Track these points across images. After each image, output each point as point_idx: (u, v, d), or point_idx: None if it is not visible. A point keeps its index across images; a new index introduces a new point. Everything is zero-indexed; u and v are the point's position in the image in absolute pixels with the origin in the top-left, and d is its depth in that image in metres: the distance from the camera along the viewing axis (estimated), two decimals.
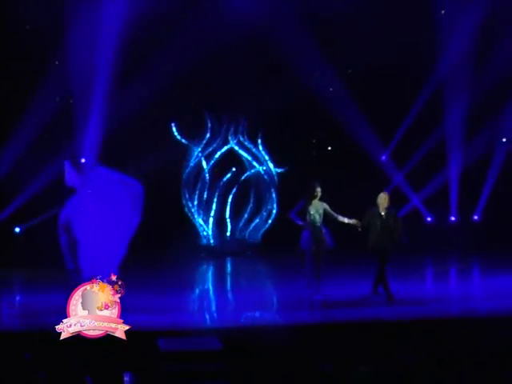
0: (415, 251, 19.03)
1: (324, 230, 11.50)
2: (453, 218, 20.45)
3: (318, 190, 11.47)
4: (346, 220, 11.52)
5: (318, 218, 11.39)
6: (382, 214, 11.57)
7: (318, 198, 11.50)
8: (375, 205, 11.73)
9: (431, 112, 19.84)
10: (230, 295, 12.88)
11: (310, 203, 11.37)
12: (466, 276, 15.83)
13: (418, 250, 19.22)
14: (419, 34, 18.57)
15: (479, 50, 19.59)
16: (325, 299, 11.28)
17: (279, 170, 19.58)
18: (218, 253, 18.78)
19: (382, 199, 11.60)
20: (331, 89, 19.58)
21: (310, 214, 11.36)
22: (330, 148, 20.38)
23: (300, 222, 11.36)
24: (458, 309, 11.27)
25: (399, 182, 20.14)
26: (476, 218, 20.42)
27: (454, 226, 20.21)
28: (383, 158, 20.44)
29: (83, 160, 18.18)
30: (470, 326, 10.12)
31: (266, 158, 19.54)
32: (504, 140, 20.13)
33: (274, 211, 19.39)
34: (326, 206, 11.50)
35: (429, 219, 20.57)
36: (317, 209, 11.38)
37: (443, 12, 19.34)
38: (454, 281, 15.57)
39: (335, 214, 11.48)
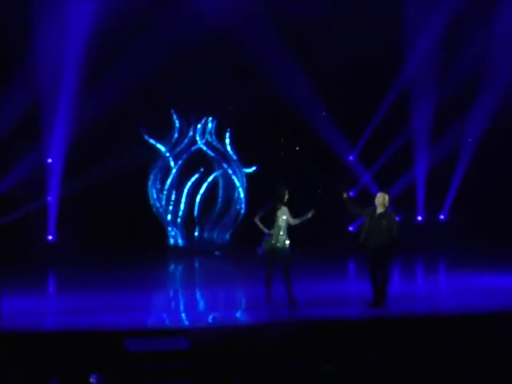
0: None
1: (288, 239, 11.14)
2: (419, 218, 20.58)
3: (287, 194, 11.18)
4: (304, 217, 11.07)
5: (284, 224, 11.08)
6: (377, 212, 11.14)
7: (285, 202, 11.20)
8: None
9: (398, 112, 19.94)
10: (198, 295, 12.82)
11: (278, 208, 11.12)
12: (431, 275, 15.93)
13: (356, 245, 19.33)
14: (386, 34, 18.65)
15: (446, 50, 19.74)
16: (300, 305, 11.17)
17: (247, 170, 19.56)
18: (186, 253, 18.70)
19: (378, 198, 11.19)
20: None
21: (277, 219, 11.06)
22: (297, 148, 20.40)
23: (264, 228, 11.02)
24: (423, 308, 11.32)
25: (367, 181, 20.23)
26: (442, 217, 20.57)
27: (421, 226, 20.35)
28: (351, 158, 20.51)
29: (50, 160, 18.03)
30: (435, 324, 10.18)
31: (234, 157, 19.51)
32: (470, 140, 20.29)
33: (243, 211, 19.37)
34: (288, 211, 11.20)
35: (396, 219, 20.65)
36: (283, 213, 11.15)
37: (411, 13, 19.46)
38: (419, 280, 15.66)
39: (291, 220, 11.14)
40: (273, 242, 10.97)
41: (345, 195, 11.35)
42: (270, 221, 11.02)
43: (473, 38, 19.45)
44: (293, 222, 11.15)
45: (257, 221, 11.04)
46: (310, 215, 11.03)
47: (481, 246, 18.29)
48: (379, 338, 9.73)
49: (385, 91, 19.98)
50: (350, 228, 20.29)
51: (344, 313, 10.81)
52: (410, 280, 15.06)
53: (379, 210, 11.17)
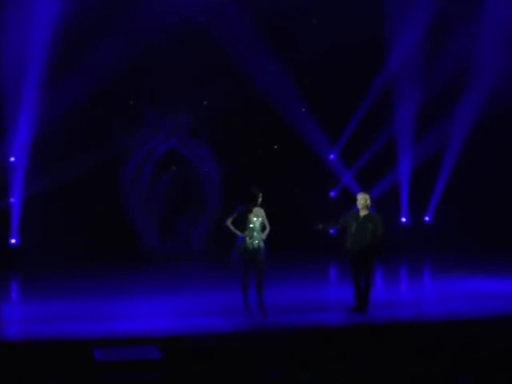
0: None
1: (263, 242, 11.11)
2: (403, 220, 20.65)
3: (260, 196, 11.10)
4: (264, 235, 11.08)
5: (257, 226, 11.06)
6: (361, 215, 11.25)
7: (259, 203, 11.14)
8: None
9: (381, 109, 19.99)
10: (170, 301, 12.76)
11: (251, 210, 11.08)
12: (416, 279, 15.99)
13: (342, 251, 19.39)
14: (368, 28, 18.69)
15: (430, 45, 19.83)
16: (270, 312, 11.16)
17: (223, 170, 19.54)
18: (159, 256, 18.67)
19: (360, 201, 11.26)
20: (303, 109, 19.60)
21: (251, 221, 11.03)
22: (276, 146, 20.41)
23: (236, 232, 10.99)
24: (408, 313, 11.36)
25: (348, 181, 20.27)
26: (427, 219, 20.65)
27: (405, 228, 20.43)
28: (331, 156, 20.54)
29: (12, 159, 17.88)
30: (421, 330, 10.21)
31: (209, 156, 19.47)
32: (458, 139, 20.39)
33: (218, 213, 19.33)
34: (263, 212, 11.15)
35: (381, 220, 20.72)
36: (257, 216, 11.08)
37: (394, 6, 19.54)
38: (404, 284, 15.71)
39: (267, 224, 11.12)
40: (247, 245, 10.95)
41: (322, 227, 11.41)
42: (242, 223, 10.99)
43: (458, 33, 19.55)
44: (267, 226, 11.13)
45: (228, 224, 11.01)
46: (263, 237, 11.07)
47: (467, 249, 18.40)
48: (361, 345, 9.74)
49: (367, 87, 20.02)
50: (331, 230, 20.31)
51: (324, 319, 10.81)
52: (393, 284, 15.10)
53: (362, 212, 11.24)
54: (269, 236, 11.15)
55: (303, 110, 19.76)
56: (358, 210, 11.30)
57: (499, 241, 19.04)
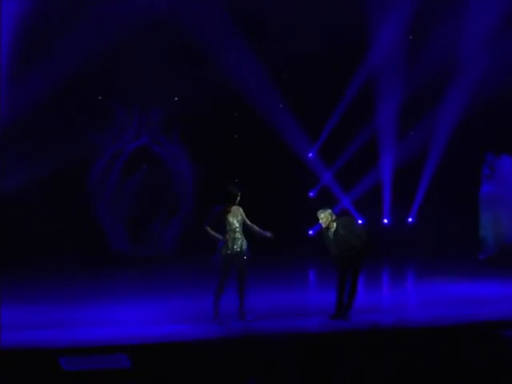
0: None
1: (245, 242, 11.11)
2: (385, 221, 20.73)
3: (239, 194, 11.07)
4: (259, 231, 11.10)
5: (238, 226, 11.03)
6: (330, 234, 11.23)
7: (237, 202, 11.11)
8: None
9: (362, 106, 20.04)
10: (141, 308, 12.72)
11: (229, 211, 11.05)
12: (398, 283, 16.06)
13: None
14: (349, 23, 18.77)
15: (414, 39, 19.92)
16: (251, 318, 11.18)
17: (197, 168, 19.52)
18: (129, 259, 18.64)
19: (322, 219, 11.24)
20: (280, 105, 19.60)
21: (230, 223, 11.00)
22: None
23: (217, 235, 10.93)
24: (389, 319, 11.41)
25: (328, 181, 20.32)
26: (410, 220, 20.73)
27: (387, 230, 20.52)
28: (310, 155, 20.58)
29: None
30: (403, 337, 10.25)
31: (182, 154, 19.44)
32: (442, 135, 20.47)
33: (192, 213, 19.33)
34: (241, 211, 11.11)
35: (359, 222, 20.79)
36: (235, 215, 11.04)
37: (375, 1, 19.62)
38: (385, 289, 15.77)
39: (249, 222, 11.13)
40: (228, 247, 10.91)
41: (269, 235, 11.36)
42: (222, 226, 10.97)
43: (441, 30, 19.65)
44: (252, 227, 11.13)
45: (207, 229, 10.96)
46: (263, 233, 11.07)
47: (451, 251, 18.51)
48: (342, 353, 9.76)
49: (348, 82, 20.07)
50: (311, 232, 20.36)
51: (303, 325, 10.83)
52: (375, 289, 15.15)
53: (331, 228, 11.24)
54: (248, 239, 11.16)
55: (281, 106, 19.78)
56: (325, 229, 11.30)
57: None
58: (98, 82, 18.37)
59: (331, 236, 11.21)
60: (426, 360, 9.32)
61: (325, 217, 11.23)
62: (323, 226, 11.25)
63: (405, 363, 9.30)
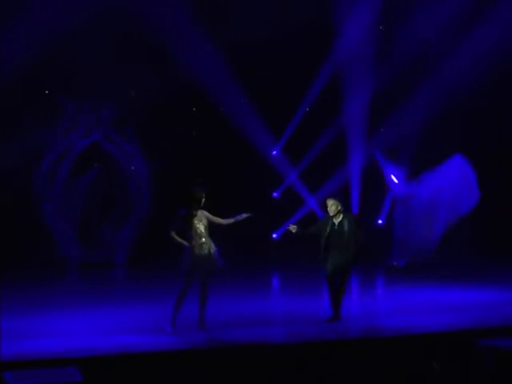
0: (310, 262, 19.38)
1: (213, 245, 11.07)
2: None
3: (204, 196, 10.96)
4: (234, 219, 11.11)
5: (203, 230, 10.95)
6: (335, 221, 11.55)
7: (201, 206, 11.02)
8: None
9: (329, 101, 20.16)
10: (92, 317, 12.65)
11: (195, 214, 10.94)
12: (367, 289, 16.15)
13: (314, 260, 19.57)
14: (315, 14, 18.86)
15: (385, 29, 20.05)
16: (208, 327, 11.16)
17: (153, 167, 19.46)
18: (79, 265, 18.50)
19: (331, 207, 11.55)
20: (242, 100, 19.61)
21: (196, 227, 10.91)
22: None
23: (183, 242, 10.85)
24: (358, 328, 11.47)
25: (292, 180, 20.37)
26: (380, 222, 20.85)
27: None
28: (274, 152, 20.62)
29: None
30: (372, 346, 10.31)
31: (137, 152, 19.38)
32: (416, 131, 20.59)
33: (147, 215, 19.29)
34: (206, 213, 11.02)
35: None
36: (200, 219, 10.95)
37: None
38: (354, 295, 15.85)
39: (220, 219, 11.10)
40: (195, 253, 10.90)
41: (293, 230, 11.77)
42: (187, 230, 10.94)
43: (415, 17, 19.80)
44: (225, 221, 11.11)
45: (173, 234, 10.91)
46: (242, 217, 11.12)
47: (424, 255, 18.65)
48: (307, 363, 9.79)
49: (314, 75, 20.16)
50: (274, 235, 20.42)
51: (267, 335, 10.85)
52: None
53: (337, 218, 11.53)
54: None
55: (243, 100, 19.80)
56: (330, 216, 11.60)
57: (459, 245, 19.42)
58: (44, 73, 18.24)
59: (335, 227, 11.46)
60: (396, 370, 9.40)
61: (334, 204, 11.54)
62: (331, 213, 11.52)
63: (375, 373, 9.36)
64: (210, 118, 19.80)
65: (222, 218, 11.17)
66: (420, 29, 19.75)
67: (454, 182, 16.54)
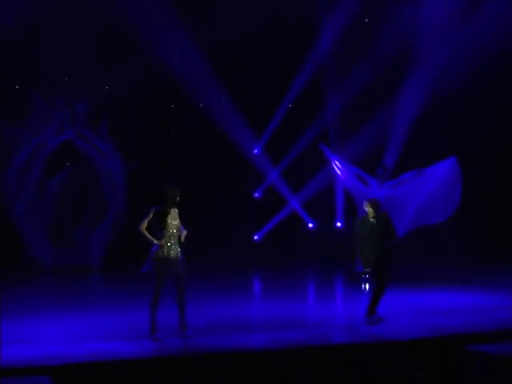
0: (294, 264, 19.40)
1: (179, 249, 11.06)
2: (339, 224, 20.84)
3: (179, 195, 11.01)
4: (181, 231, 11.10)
5: (175, 231, 10.98)
6: (374, 221, 12.02)
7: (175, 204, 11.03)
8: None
9: (312, 97, 20.17)
10: (65, 323, 12.60)
11: (169, 212, 10.94)
12: (352, 293, 16.15)
13: (299, 262, 19.59)
14: (297, 9, 18.89)
15: (369, 21, 20.07)
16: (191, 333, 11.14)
17: (129, 167, 19.42)
18: (50, 268, 18.45)
19: (368, 207, 12.08)
20: (223, 96, 19.59)
21: (169, 226, 10.92)
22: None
23: (152, 238, 10.86)
24: (343, 334, 11.48)
25: (274, 180, 20.36)
26: (339, 224, 20.84)
27: (340, 234, 20.61)
28: (255, 151, 20.61)
29: None
30: (356, 352, 10.33)
31: (112, 150, 19.32)
32: (401, 130, 20.62)
33: (123, 216, 19.24)
34: (177, 215, 11.06)
35: (310, 225, 20.89)
36: (174, 218, 10.98)
37: None
38: (339, 301, 15.86)
39: (180, 225, 11.07)
40: (164, 253, 10.88)
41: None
42: (158, 228, 10.91)
43: (399, 12, 19.84)
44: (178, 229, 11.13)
45: (142, 229, 10.90)
46: (184, 233, 11.08)
47: (412, 257, 18.70)
48: (289, 370, 9.80)
49: (296, 70, 20.16)
50: (256, 237, 20.42)
51: (247, 341, 10.85)
52: (328, 301, 15.21)
53: (372, 217, 12.04)
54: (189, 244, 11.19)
55: (223, 97, 19.78)
56: (367, 216, 12.09)
57: (448, 250, 19.51)
58: (14, 68, 18.13)
59: (373, 226, 11.92)
60: (387, 375, 9.43)
61: (373, 205, 12.01)
62: (371, 214, 11.95)
63: (362, 379, 9.38)
64: (188, 115, 19.74)
65: (195, 223, 11.20)
66: (407, 22, 19.79)
67: (438, 187, 16.53)
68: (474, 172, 18.46)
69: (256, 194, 20.78)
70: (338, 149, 20.24)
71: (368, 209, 12.05)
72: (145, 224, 10.89)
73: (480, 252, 19.65)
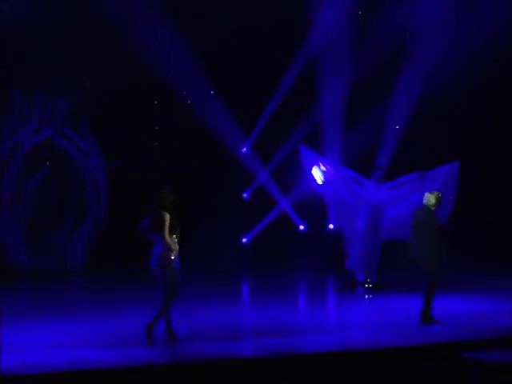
0: (285, 268, 19.41)
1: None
2: (331, 226, 20.83)
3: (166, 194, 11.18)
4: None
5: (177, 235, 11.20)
6: (435, 216, 12.23)
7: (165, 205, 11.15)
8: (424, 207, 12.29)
9: (303, 93, 20.16)
10: (43, 330, 12.58)
11: (166, 210, 11.06)
12: (347, 299, 16.17)
13: (289, 266, 19.59)
14: (287, 2, 18.90)
15: (363, 14, 20.08)
16: (187, 331, 11.22)
17: (111, 166, 19.40)
18: (27, 273, 18.43)
19: (432, 200, 12.19)
20: (211, 92, 19.61)
21: (173, 231, 11.10)
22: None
23: (155, 237, 11.07)
24: (336, 340, 11.49)
25: (264, 180, 20.35)
26: (332, 226, 20.84)
27: (334, 237, 20.60)
28: (244, 149, 20.60)
29: None
30: (348, 359, 10.35)
31: (93, 149, 19.29)
32: (397, 127, 20.64)
33: (105, 218, 19.22)
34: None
35: (301, 227, 20.89)
36: (175, 223, 11.17)
37: None
38: (331, 305, 15.87)
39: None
40: (172, 257, 11.02)
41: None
42: (163, 234, 10.96)
43: (396, 4, 19.87)
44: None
45: (168, 239, 10.99)
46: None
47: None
48: (279, 380, 9.80)
49: (287, 64, 20.16)
50: (244, 240, 20.42)
51: (235, 349, 10.85)
52: (320, 306, 15.22)
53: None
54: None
55: (212, 92, 19.78)
56: (433, 211, 12.22)
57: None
58: None
59: (435, 221, 12.15)
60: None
61: (436, 198, 12.17)
62: (433, 208, 12.14)
63: None
64: (173, 112, 19.71)
65: (182, 225, 11.28)
66: (402, 14, 19.82)
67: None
68: (471, 172, 18.50)
69: (244, 195, 20.78)
70: (330, 148, 20.28)
71: (432, 201, 12.10)
72: (146, 223, 11.08)
73: (476, 258, 19.68)
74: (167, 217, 10.96)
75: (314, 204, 20.10)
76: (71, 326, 12.63)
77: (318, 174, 16.66)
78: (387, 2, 19.67)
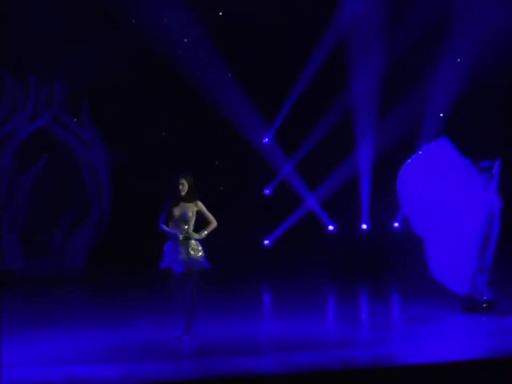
0: (311, 274, 19.32)
1: (197, 243, 11.86)
2: (364, 226, 20.79)
3: (182, 184, 11.81)
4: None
5: (182, 225, 11.64)
6: None
7: (185, 196, 11.75)
8: None
9: (331, 77, 20.11)
10: (39, 342, 12.55)
11: (173, 205, 11.66)
12: (377, 308, 16.08)
13: (316, 272, 19.51)
14: None
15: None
16: (197, 340, 11.42)
17: (115, 158, 19.38)
18: (24, 278, 18.52)
19: None
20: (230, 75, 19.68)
21: (173, 220, 11.65)
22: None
23: (172, 233, 11.64)
24: (369, 356, 11.37)
25: (288, 175, 20.30)
26: (397, 225, 20.79)
27: (367, 237, 20.57)
28: (266, 140, 20.57)
29: None
30: (382, 377, 10.22)
31: (95, 139, 19.27)
32: (441, 115, 20.51)
33: (107, 218, 19.20)
34: (200, 205, 11.92)
35: (331, 228, 20.83)
36: (182, 212, 11.67)
37: None
38: (364, 314, 15.79)
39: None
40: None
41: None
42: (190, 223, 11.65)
43: None
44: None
45: (162, 226, 11.65)
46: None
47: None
48: None
49: (313, 47, 20.13)
50: (266, 242, 20.38)
51: (254, 365, 10.75)
52: (350, 317, 15.07)
53: None
54: None
55: (229, 75, 19.74)
56: None
57: None
58: None
59: None
60: None
61: None
62: None
63: None
64: (185, 98, 19.69)
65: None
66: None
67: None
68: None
69: (266, 191, 20.74)
70: (363, 136, 20.23)
71: None
72: (163, 219, 11.75)
73: None
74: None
75: (344, 201, 20.07)
76: (68, 339, 12.66)
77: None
78: None
